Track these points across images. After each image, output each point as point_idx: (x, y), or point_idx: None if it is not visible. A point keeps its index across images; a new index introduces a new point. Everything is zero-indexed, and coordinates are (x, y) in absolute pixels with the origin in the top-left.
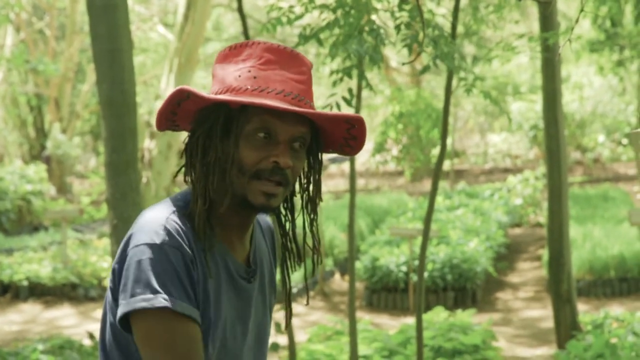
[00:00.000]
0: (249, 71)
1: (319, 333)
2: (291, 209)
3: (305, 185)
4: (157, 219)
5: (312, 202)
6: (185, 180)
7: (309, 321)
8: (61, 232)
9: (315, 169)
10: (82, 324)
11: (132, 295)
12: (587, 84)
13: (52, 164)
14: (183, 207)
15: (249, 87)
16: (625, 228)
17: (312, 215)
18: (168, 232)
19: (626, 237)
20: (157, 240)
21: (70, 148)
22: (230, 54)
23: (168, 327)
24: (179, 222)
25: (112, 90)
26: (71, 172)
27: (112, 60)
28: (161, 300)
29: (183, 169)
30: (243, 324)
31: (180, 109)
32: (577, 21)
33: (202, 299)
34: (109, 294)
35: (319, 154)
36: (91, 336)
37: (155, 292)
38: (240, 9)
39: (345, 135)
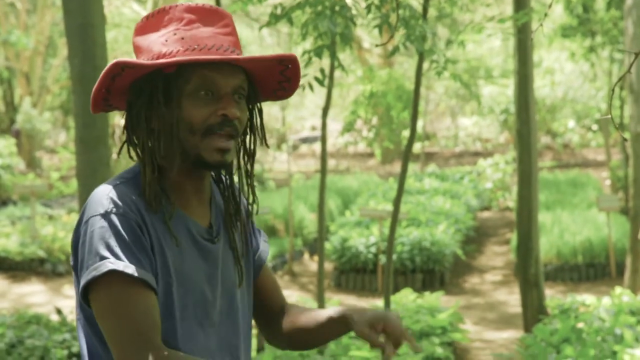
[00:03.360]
0: (175, 34)
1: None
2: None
3: (242, 137)
4: (102, 191)
5: (250, 154)
6: (130, 156)
7: None
8: (30, 206)
9: (255, 119)
10: (50, 299)
11: (87, 269)
12: (558, 70)
13: (22, 138)
14: (131, 178)
15: (180, 48)
16: (594, 214)
17: (248, 167)
18: (112, 200)
19: (594, 223)
20: (102, 210)
21: (41, 123)
22: (148, 24)
23: (116, 291)
24: (124, 190)
25: (84, 66)
26: (41, 147)
27: (84, 35)
28: (107, 264)
29: (126, 146)
30: (211, 285)
31: (114, 86)
32: (550, 6)
33: (160, 264)
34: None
35: (257, 103)
36: (59, 311)
37: (102, 258)
38: None
39: (280, 78)
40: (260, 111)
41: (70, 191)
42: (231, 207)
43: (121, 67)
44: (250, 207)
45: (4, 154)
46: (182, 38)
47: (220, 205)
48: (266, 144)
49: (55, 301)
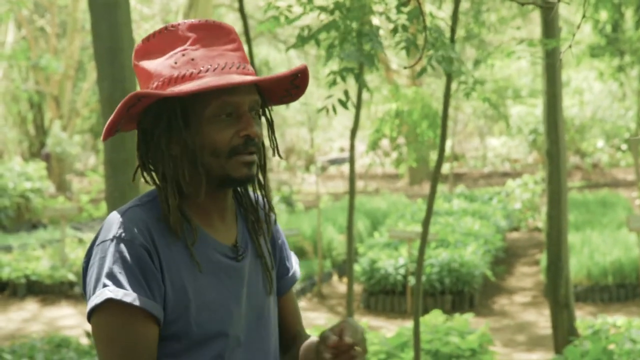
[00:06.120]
0: (183, 55)
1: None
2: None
3: None
4: (115, 215)
5: (262, 165)
6: (147, 181)
7: (306, 323)
8: (60, 230)
9: (268, 128)
10: (80, 323)
11: (90, 295)
12: (587, 89)
13: (52, 161)
14: (148, 201)
15: (193, 71)
16: (624, 234)
17: (261, 178)
18: (123, 225)
19: (624, 243)
20: (111, 236)
21: (70, 146)
22: (150, 45)
23: (111, 321)
24: (138, 214)
25: (113, 89)
26: (70, 170)
27: (113, 59)
28: (107, 292)
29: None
30: (238, 304)
31: (128, 114)
32: (578, 27)
33: (175, 287)
34: None
35: (268, 112)
36: (88, 335)
37: (104, 285)
38: (241, 9)
39: (289, 86)
40: (271, 121)
41: (100, 214)
42: (250, 215)
43: (138, 98)
44: (268, 215)
45: (34, 178)
46: (192, 59)
47: (245, 218)
48: (279, 155)
49: (85, 325)
